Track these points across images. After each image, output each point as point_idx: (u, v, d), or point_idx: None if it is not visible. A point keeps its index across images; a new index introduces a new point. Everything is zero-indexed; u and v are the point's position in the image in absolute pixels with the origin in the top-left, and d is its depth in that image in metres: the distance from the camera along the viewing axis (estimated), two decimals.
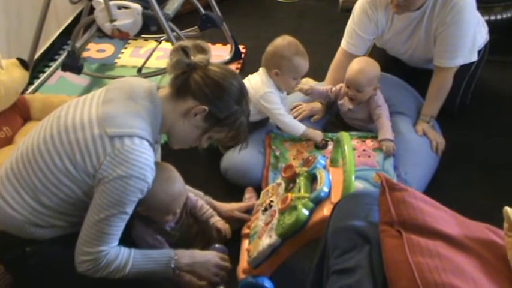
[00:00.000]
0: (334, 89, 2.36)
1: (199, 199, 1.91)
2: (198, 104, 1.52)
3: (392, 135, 2.19)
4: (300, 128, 2.21)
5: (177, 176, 1.71)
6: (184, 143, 1.65)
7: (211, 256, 1.69)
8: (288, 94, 2.37)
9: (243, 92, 1.59)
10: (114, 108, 1.48)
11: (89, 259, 1.48)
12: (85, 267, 1.49)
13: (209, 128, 1.57)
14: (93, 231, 1.47)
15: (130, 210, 1.49)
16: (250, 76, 2.22)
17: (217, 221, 1.87)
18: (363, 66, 2.22)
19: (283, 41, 2.16)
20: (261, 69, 2.21)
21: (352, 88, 2.23)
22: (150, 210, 1.65)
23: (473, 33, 2.27)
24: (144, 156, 1.44)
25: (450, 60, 2.26)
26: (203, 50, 1.55)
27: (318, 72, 2.56)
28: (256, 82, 2.17)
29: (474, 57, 2.33)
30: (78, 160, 1.45)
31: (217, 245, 1.79)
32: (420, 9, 2.22)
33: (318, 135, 2.24)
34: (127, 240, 1.57)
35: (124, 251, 1.53)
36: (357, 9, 2.37)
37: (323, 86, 2.42)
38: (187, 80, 1.52)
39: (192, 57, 1.52)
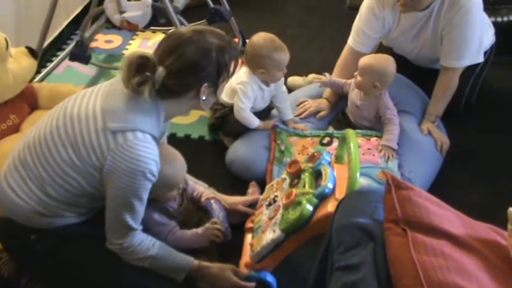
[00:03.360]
0: (349, 81, 2.35)
1: (196, 186, 1.94)
2: (197, 89, 1.53)
3: (396, 145, 2.17)
4: (254, 123, 2.25)
5: (174, 151, 1.74)
6: (211, 105, 1.67)
7: (228, 274, 1.68)
8: (291, 89, 2.37)
9: (207, 42, 1.51)
10: (117, 101, 1.48)
11: (119, 243, 1.54)
12: (114, 249, 1.56)
13: (219, 84, 1.58)
14: (117, 222, 1.51)
15: (145, 196, 1.51)
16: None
17: (207, 194, 1.90)
18: (375, 57, 2.25)
19: (258, 39, 2.18)
20: (243, 68, 2.25)
21: (358, 70, 2.23)
22: (156, 190, 1.64)
23: (480, 35, 2.28)
24: (148, 151, 1.45)
25: (456, 61, 2.26)
26: (147, 60, 1.46)
27: (324, 68, 2.55)
28: (239, 73, 2.23)
29: (480, 59, 2.33)
30: (83, 153, 1.46)
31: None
32: (427, 9, 2.23)
33: (269, 124, 2.29)
34: None
35: (149, 239, 1.59)
36: (364, 7, 2.38)
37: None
38: (166, 88, 1.48)
39: (147, 74, 1.44)
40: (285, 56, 2.17)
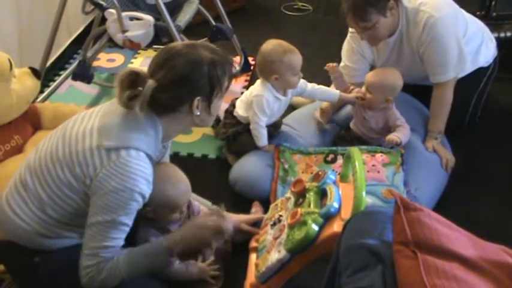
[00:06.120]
0: (357, 89, 2.34)
1: (202, 207, 1.93)
2: (190, 103, 1.52)
3: (405, 138, 2.18)
4: (263, 142, 2.24)
5: (181, 173, 1.73)
6: (210, 121, 1.66)
7: (202, 220, 1.65)
8: (294, 108, 2.36)
9: (198, 55, 1.51)
10: (114, 120, 1.49)
11: (89, 271, 1.47)
12: (85, 279, 1.48)
13: (213, 99, 1.56)
14: (93, 244, 1.46)
15: (129, 221, 1.48)
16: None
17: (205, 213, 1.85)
18: (384, 72, 2.27)
19: (266, 46, 2.17)
20: (258, 80, 2.24)
21: (366, 87, 2.26)
22: (158, 210, 1.65)
23: (457, 44, 2.24)
24: (140, 168, 1.44)
25: (442, 76, 2.26)
26: (137, 76, 1.46)
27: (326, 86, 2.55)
28: (255, 86, 2.23)
29: (467, 69, 2.34)
30: (78, 172, 1.46)
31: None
32: (395, 34, 2.25)
33: (272, 147, 2.27)
34: (129, 241, 1.56)
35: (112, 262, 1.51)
36: (345, 44, 2.45)
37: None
38: (159, 102, 1.49)
39: (139, 88, 1.45)
40: (295, 57, 2.14)
